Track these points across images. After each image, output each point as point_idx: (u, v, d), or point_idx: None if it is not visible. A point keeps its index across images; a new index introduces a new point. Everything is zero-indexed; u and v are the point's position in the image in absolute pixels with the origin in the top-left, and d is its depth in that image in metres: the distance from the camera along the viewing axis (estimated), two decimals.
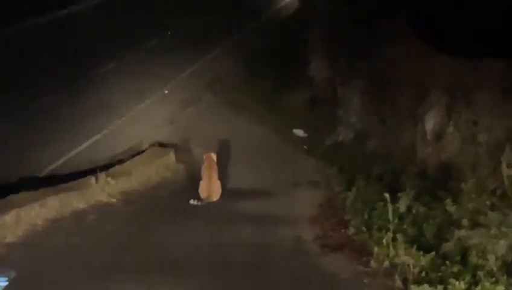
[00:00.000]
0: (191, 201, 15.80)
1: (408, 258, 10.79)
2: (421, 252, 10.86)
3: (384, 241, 11.67)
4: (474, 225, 11.53)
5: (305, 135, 22.59)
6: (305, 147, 21.46)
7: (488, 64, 14.78)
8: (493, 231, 10.97)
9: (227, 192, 16.42)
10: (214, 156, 16.78)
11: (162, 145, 19.71)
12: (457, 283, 9.74)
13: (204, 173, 16.32)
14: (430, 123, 16.21)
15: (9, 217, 12.75)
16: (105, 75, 26.07)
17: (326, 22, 24.57)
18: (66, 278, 10.76)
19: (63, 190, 14.60)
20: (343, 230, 13.74)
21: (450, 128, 15.45)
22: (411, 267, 10.70)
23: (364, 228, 12.98)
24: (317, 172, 18.59)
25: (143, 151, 19.06)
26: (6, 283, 10.23)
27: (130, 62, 27.59)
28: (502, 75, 14.45)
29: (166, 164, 18.43)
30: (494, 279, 9.74)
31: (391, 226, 11.89)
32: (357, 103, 21.19)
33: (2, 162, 17.11)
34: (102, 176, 15.64)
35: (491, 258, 10.26)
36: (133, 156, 18.59)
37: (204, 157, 16.83)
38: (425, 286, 10.10)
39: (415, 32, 17.75)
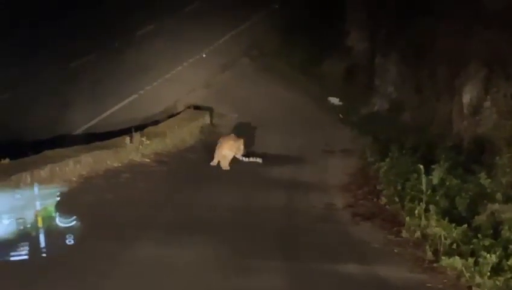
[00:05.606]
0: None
1: (440, 230, 10.78)
2: (453, 224, 10.83)
3: (416, 212, 11.71)
4: (508, 199, 11.50)
5: (341, 103, 22.52)
6: (340, 115, 21.38)
7: None
8: None
9: (260, 157, 16.42)
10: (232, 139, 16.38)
11: (197, 108, 19.71)
12: (488, 255, 9.71)
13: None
14: (467, 96, 16.08)
15: (44, 172, 12.82)
16: (144, 37, 26.09)
17: None
18: (96, 234, 10.81)
19: (98, 148, 14.71)
20: (375, 199, 13.79)
21: (487, 102, 15.31)
22: (442, 238, 10.70)
23: (396, 198, 13.00)
24: (351, 141, 18.62)
25: (178, 114, 19.09)
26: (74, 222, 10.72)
27: (169, 25, 27.54)
28: None
29: (200, 127, 18.52)
30: None
31: (424, 197, 11.89)
32: (394, 74, 21.08)
33: (40, 119, 17.19)
34: (137, 136, 15.72)
35: None
36: (169, 117, 18.64)
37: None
38: (456, 257, 10.09)
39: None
